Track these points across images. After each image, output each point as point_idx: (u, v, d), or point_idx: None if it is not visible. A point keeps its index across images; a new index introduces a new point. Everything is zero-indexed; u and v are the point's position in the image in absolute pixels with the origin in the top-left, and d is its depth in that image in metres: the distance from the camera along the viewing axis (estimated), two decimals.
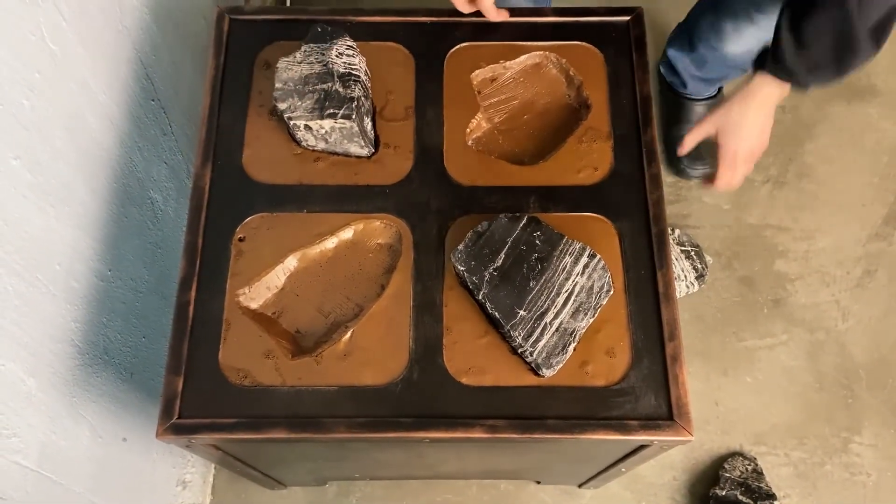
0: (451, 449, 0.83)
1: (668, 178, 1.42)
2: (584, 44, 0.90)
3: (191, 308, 0.78)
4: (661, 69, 1.39)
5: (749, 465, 1.20)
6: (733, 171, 0.95)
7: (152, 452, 1.04)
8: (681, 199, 1.40)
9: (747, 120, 0.92)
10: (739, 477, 1.18)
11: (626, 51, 0.90)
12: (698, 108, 1.38)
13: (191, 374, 0.76)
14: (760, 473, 1.20)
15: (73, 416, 0.83)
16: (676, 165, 1.40)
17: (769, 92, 0.90)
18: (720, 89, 1.39)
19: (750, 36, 1.15)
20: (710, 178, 0.98)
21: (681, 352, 0.76)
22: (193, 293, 0.78)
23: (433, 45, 0.90)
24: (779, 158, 1.43)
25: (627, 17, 0.91)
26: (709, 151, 1.38)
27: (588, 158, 0.85)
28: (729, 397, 1.27)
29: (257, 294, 0.80)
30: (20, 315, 0.73)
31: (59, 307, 0.79)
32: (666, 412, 0.74)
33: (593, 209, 0.82)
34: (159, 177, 1.06)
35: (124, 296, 0.95)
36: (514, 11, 0.91)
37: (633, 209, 0.82)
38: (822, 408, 1.26)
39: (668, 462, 1.20)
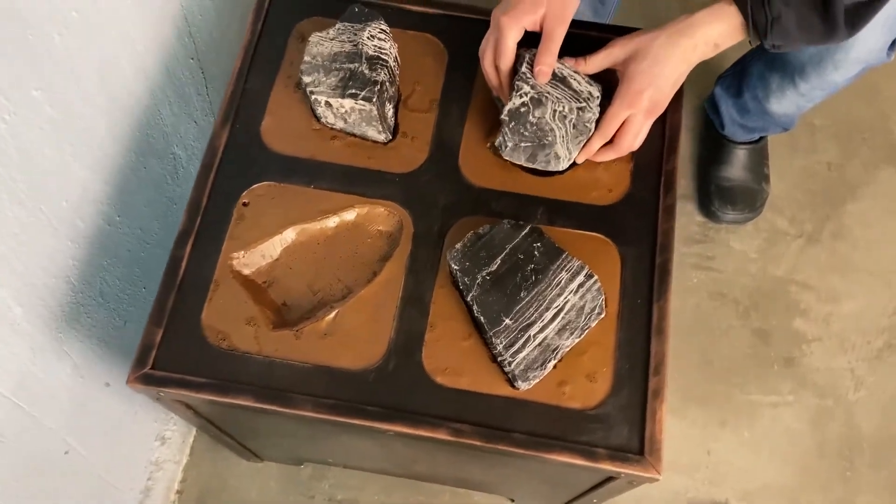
0: (420, 447, 0.82)
1: (697, 218, 1.39)
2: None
3: (183, 263, 0.78)
4: (706, 105, 1.37)
5: None
6: (630, 123, 0.79)
7: (135, 403, 1.05)
8: (707, 240, 1.37)
9: (672, 58, 0.76)
10: None
11: None
12: (739, 152, 1.35)
13: (171, 328, 0.76)
14: None
15: (57, 351, 0.84)
16: (707, 207, 1.36)
17: (713, 30, 0.75)
18: (762, 137, 1.36)
19: (790, 100, 1.12)
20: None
21: (663, 388, 0.73)
22: (189, 249, 0.79)
23: (470, 42, 0.89)
24: (816, 214, 1.39)
25: None
26: (743, 198, 1.35)
27: (605, 178, 0.83)
28: (723, 448, 1.23)
29: (251, 260, 0.80)
30: (18, 243, 0.74)
31: (59, 242, 0.80)
32: (637, 446, 0.72)
33: (601, 230, 0.80)
34: (186, 134, 1.07)
35: (130, 244, 0.96)
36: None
37: (640, 236, 0.80)
38: (818, 476, 1.22)
39: None
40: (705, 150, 1.40)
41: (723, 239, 1.37)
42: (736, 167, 1.36)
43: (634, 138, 0.80)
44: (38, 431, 0.84)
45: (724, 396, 1.27)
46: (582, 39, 0.86)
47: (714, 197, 1.35)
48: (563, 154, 0.80)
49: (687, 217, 1.39)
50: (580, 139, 0.80)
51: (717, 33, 0.77)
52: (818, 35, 0.74)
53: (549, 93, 0.78)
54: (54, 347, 0.83)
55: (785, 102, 1.12)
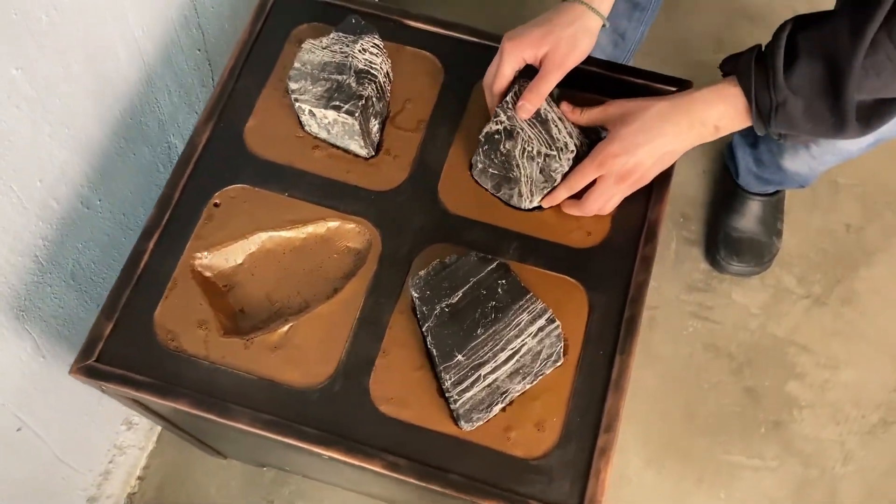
0: (359, 472, 0.79)
1: (702, 265, 1.34)
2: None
3: (145, 257, 0.77)
4: (725, 150, 1.32)
5: None
6: (599, 184, 0.75)
7: None
8: (710, 289, 1.33)
9: (660, 131, 0.73)
10: None
11: None
12: (752, 203, 1.30)
13: (122, 322, 0.75)
14: None
15: (17, 329, 0.84)
16: (713, 255, 1.32)
17: (714, 111, 0.72)
18: (779, 191, 1.31)
19: (803, 160, 1.07)
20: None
21: (612, 446, 0.70)
22: (152, 244, 0.78)
23: (469, 65, 0.87)
24: (827, 276, 1.34)
25: (674, 89, 0.86)
26: (751, 251, 1.30)
27: (585, 221, 0.80)
28: None
29: (214, 262, 0.79)
30: None
31: (28, 221, 0.80)
32: None
33: (573, 274, 0.78)
34: (185, 124, 1.06)
35: (110, 228, 0.96)
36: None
37: (613, 285, 0.77)
38: None
39: None
40: (719, 197, 1.36)
41: (725, 290, 1.33)
42: (747, 218, 1.31)
43: (601, 201, 0.77)
44: None
45: (705, 453, 1.22)
46: (599, 78, 0.84)
47: (721, 245, 1.31)
48: (526, 194, 0.78)
49: (691, 263, 1.35)
50: (545, 186, 0.78)
51: (718, 115, 0.73)
52: (826, 127, 0.69)
53: (522, 129, 0.76)
54: (14, 325, 0.83)
55: (798, 161, 1.08)
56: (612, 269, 0.78)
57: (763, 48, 0.71)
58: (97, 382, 0.72)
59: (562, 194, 0.78)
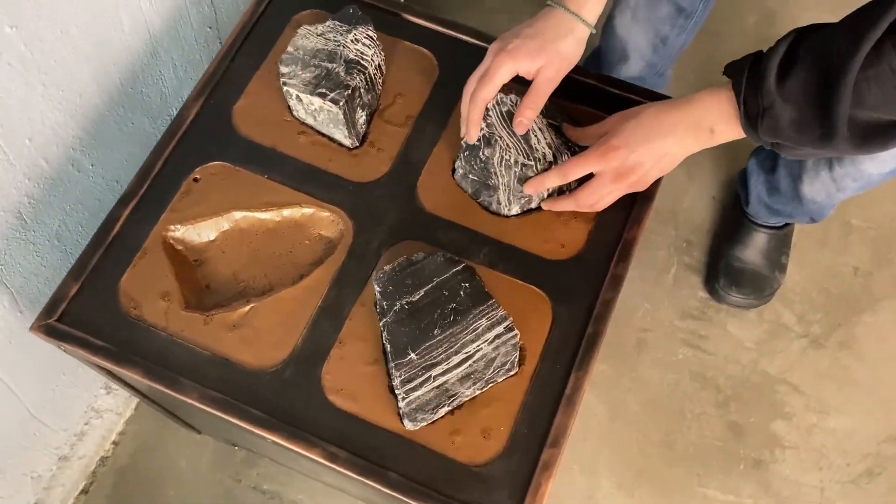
0: (308, 461, 0.79)
1: (700, 293, 1.32)
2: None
3: (118, 224, 0.78)
4: (738, 177, 1.29)
5: None
6: (596, 180, 0.73)
7: None
8: (705, 318, 1.30)
9: (659, 129, 0.71)
10: None
11: None
12: (758, 234, 1.27)
13: (88, 285, 0.76)
14: None
15: None
16: (711, 283, 1.30)
17: (709, 113, 0.70)
18: (787, 224, 1.28)
19: (823, 184, 1.04)
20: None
21: (555, 462, 0.69)
22: (128, 211, 0.79)
23: (465, 65, 0.86)
24: (828, 318, 1.30)
25: None
26: (752, 283, 1.27)
27: (561, 233, 0.79)
28: None
29: (186, 236, 0.79)
30: None
31: (14, 177, 0.82)
32: None
33: (540, 284, 0.77)
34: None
35: (101, 194, 0.97)
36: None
37: (579, 301, 0.76)
38: None
39: None
40: (724, 225, 1.33)
41: (721, 320, 1.30)
42: (751, 249, 1.28)
43: (595, 197, 0.76)
44: None
45: (679, 484, 1.20)
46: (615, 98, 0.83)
47: (721, 274, 1.29)
48: (504, 202, 0.77)
49: (689, 290, 1.32)
50: (523, 194, 0.77)
51: (713, 118, 0.71)
52: (813, 138, 0.66)
53: (501, 137, 0.75)
54: None
55: (817, 185, 1.05)
56: (581, 285, 0.77)
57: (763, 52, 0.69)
58: (56, 342, 0.73)
59: (551, 179, 0.75)
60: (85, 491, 1.17)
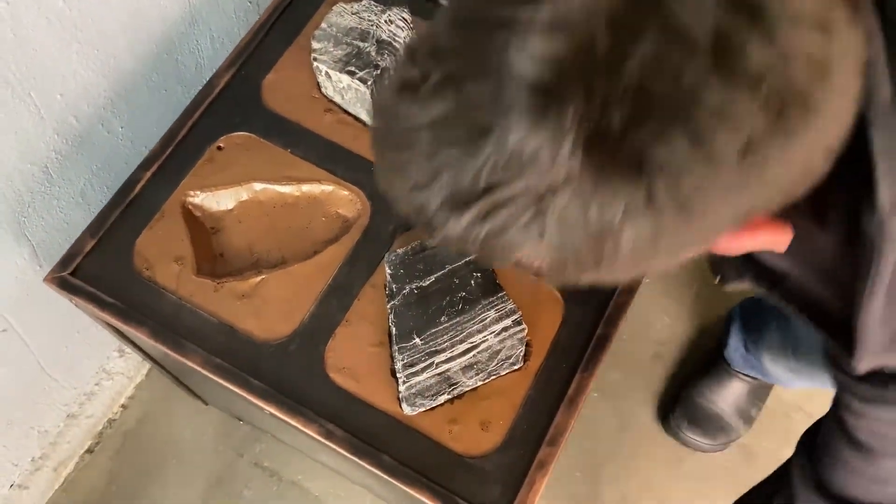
0: (307, 439, 0.79)
1: (721, 312, 1.29)
2: None
3: (139, 185, 0.79)
4: (725, 317, 1.19)
5: None
6: None
7: None
8: None
9: None
10: None
11: None
12: (728, 378, 1.15)
13: (103, 242, 0.77)
14: None
15: (17, 233, 0.86)
16: (665, 412, 1.20)
17: None
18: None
19: (782, 367, 0.99)
20: None
21: (551, 461, 0.68)
22: (150, 174, 0.79)
23: None
24: None
25: None
26: (708, 425, 1.17)
27: None
28: None
29: (205, 203, 0.79)
30: None
31: (43, 131, 0.83)
32: None
33: None
34: None
35: (130, 158, 0.98)
36: None
37: (592, 301, 0.75)
38: None
39: None
40: (700, 356, 1.24)
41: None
42: (717, 390, 1.16)
43: None
44: None
45: (684, 502, 1.18)
46: None
47: (679, 405, 1.18)
48: None
49: (710, 307, 1.30)
50: None
51: None
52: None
53: None
54: (14, 229, 0.85)
55: (778, 366, 1.00)
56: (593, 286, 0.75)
57: None
58: (68, 295, 0.74)
59: None
60: (90, 450, 1.19)
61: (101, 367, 1.16)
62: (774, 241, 0.44)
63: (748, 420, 1.19)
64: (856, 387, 0.50)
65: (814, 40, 0.32)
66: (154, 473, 1.17)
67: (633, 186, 0.32)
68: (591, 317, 0.74)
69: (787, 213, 0.39)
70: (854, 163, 0.38)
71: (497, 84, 0.32)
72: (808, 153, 0.34)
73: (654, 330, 1.28)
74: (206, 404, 1.20)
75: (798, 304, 0.52)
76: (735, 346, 1.13)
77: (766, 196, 0.36)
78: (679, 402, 1.19)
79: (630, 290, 0.75)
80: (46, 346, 1.01)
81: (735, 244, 0.42)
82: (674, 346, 1.27)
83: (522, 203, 0.33)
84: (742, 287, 0.58)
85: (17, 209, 0.85)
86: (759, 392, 1.19)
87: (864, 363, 0.46)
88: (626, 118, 0.31)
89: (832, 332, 0.49)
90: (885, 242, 0.39)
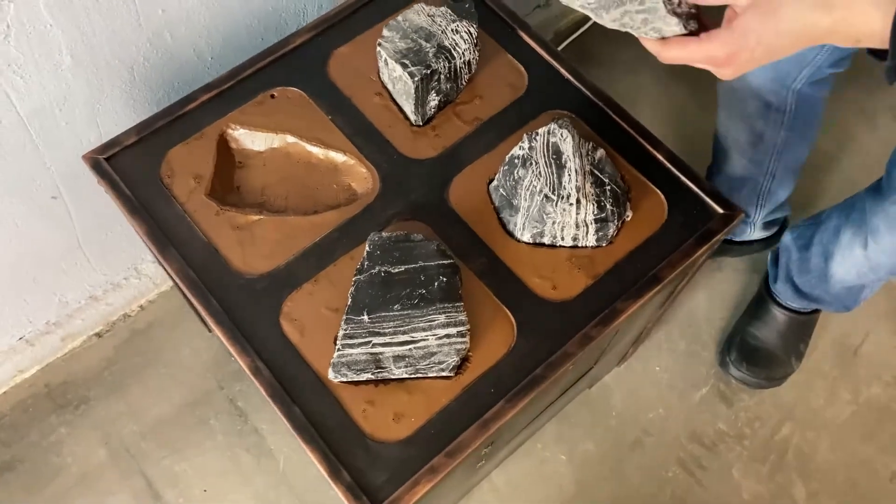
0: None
1: (719, 425, 1.25)
2: (659, 193, 0.84)
3: (193, 104, 0.87)
4: (770, 254, 1.26)
5: None
6: (693, 59, 0.60)
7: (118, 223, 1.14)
8: (713, 450, 1.23)
9: (802, 40, 0.55)
10: None
11: (690, 232, 0.82)
12: (779, 314, 1.25)
13: (143, 142, 0.85)
14: None
15: (90, 117, 0.96)
16: (723, 356, 1.29)
17: (855, 23, 0.52)
18: (815, 311, 1.25)
19: (853, 262, 1.01)
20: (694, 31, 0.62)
21: (443, 471, 0.70)
22: (204, 98, 0.87)
23: (551, 95, 0.89)
24: None
25: (720, 210, 0.83)
26: (766, 363, 1.25)
27: (560, 276, 0.79)
28: None
29: (241, 138, 0.86)
30: (98, 14, 0.86)
31: (138, 37, 0.92)
32: (379, 499, 0.69)
33: (514, 311, 0.77)
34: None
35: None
36: None
37: (543, 342, 0.76)
38: None
39: None
40: (749, 304, 1.32)
41: (729, 461, 1.23)
42: (769, 328, 1.27)
43: (680, 59, 0.61)
44: (35, 160, 0.96)
45: None
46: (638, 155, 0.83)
47: (734, 348, 1.27)
48: (519, 226, 0.81)
49: (711, 417, 1.26)
50: (536, 226, 0.79)
51: (855, 27, 0.53)
52: None
53: (537, 162, 0.77)
54: (88, 111, 0.95)
55: (848, 263, 1.02)
56: (551, 329, 0.77)
57: None
58: (96, 175, 0.82)
59: (649, 45, 0.63)
60: (99, 335, 1.29)
61: (134, 266, 1.26)
62: None
63: (798, 355, 1.28)
64: None
65: None
66: (142, 375, 1.25)
67: None
68: (536, 356, 0.75)
69: None
70: None
71: None
72: None
73: (644, 417, 1.26)
74: (210, 332, 1.27)
75: None
76: (786, 276, 1.20)
77: None
78: (733, 345, 1.28)
79: (582, 345, 0.76)
80: (89, 227, 1.11)
81: None
82: (658, 440, 1.24)
83: None
84: None
85: (97, 96, 0.94)
86: (805, 327, 1.28)
87: None
88: None
89: None
90: None
